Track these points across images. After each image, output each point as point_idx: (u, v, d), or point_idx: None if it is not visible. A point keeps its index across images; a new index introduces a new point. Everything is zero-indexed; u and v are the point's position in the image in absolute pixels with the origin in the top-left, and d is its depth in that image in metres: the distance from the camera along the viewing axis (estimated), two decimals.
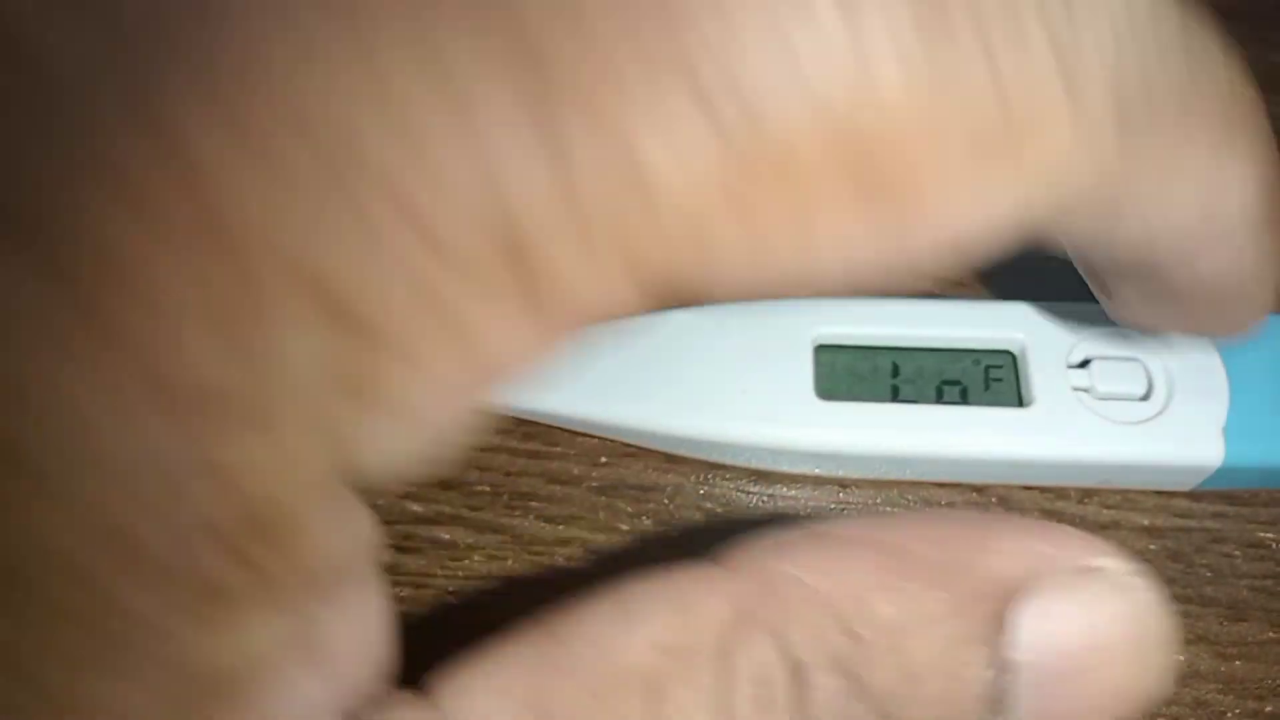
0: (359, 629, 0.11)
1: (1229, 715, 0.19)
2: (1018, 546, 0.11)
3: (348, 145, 0.06)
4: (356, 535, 0.09)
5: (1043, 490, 0.21)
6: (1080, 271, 0.16)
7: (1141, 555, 0.20)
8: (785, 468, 0.20)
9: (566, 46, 0.07)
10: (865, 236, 0.09)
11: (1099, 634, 0.11)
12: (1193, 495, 0.20)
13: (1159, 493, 0.21)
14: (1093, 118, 0.09)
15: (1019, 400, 0.19)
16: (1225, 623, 0.19)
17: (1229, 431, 0.19)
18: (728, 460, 0.20)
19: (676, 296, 0.08)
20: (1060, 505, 0.21)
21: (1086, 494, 0.21)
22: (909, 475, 0.21)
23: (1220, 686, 0.19)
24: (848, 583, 0.11)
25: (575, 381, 0.20)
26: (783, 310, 0.20)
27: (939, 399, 0.19)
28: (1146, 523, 0.20)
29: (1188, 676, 0.19)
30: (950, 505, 0.20)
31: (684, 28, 0.07)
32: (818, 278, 0.09)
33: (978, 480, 0.21)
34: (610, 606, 0.11)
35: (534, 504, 0.20)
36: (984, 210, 0.09)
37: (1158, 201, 0.11)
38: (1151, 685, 0.11)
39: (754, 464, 0.20)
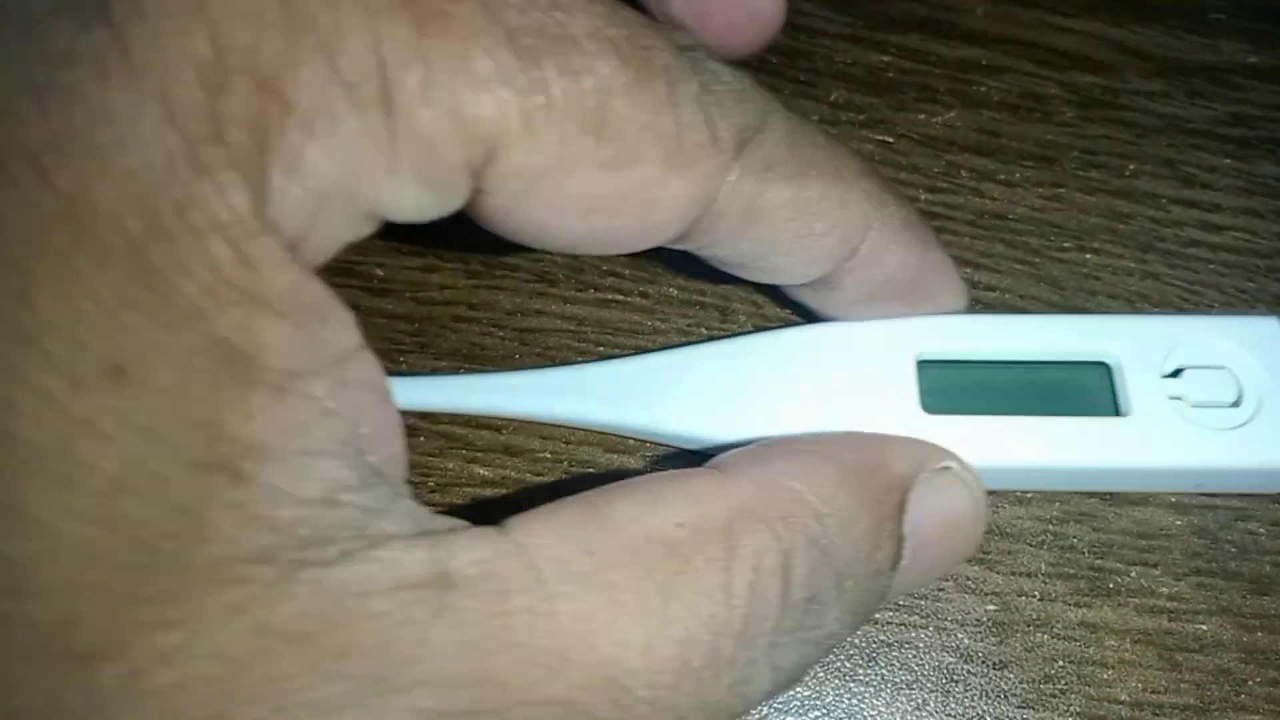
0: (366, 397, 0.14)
1: (1250, 683, 0.20)
2: (905, 453, 0.17)
3: None
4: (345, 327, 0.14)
5: None
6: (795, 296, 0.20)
7: (1168, 531, 0.21)
8: None
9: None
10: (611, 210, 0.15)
11: (951, 513, 0.17)
12: None
13: None
14: (723, 156, 0.15)
15: (1116, 410, 0.20)
16: (1249, 596, 0.21)
17: None
18: None
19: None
20: None
21: None
22: (1008, 485, 0.21)
23: (1243, 656, 0.20)
24: (814, 481, 0.16)
25: (677, 400, 0.20)
26: (884, 329, 0.20)
27: (1040, 411, 0.19)
28: (1174, 499, 0.21)
29: (1210, 646, 0.20)
30: None
31: None
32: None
33: (1076, 489, 0.21)
34: (638, 491, 0.15)
35: (591, 470, 0.21)
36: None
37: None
38: (979, 540, 0.18)
39: None
